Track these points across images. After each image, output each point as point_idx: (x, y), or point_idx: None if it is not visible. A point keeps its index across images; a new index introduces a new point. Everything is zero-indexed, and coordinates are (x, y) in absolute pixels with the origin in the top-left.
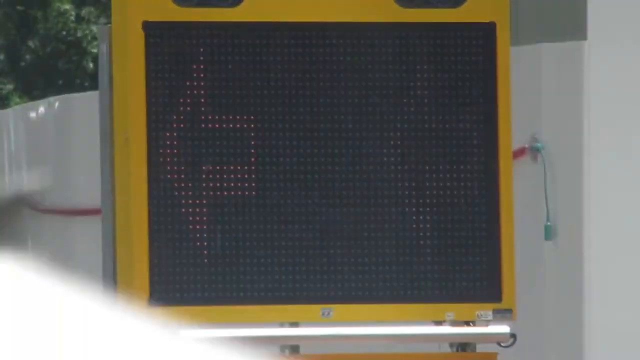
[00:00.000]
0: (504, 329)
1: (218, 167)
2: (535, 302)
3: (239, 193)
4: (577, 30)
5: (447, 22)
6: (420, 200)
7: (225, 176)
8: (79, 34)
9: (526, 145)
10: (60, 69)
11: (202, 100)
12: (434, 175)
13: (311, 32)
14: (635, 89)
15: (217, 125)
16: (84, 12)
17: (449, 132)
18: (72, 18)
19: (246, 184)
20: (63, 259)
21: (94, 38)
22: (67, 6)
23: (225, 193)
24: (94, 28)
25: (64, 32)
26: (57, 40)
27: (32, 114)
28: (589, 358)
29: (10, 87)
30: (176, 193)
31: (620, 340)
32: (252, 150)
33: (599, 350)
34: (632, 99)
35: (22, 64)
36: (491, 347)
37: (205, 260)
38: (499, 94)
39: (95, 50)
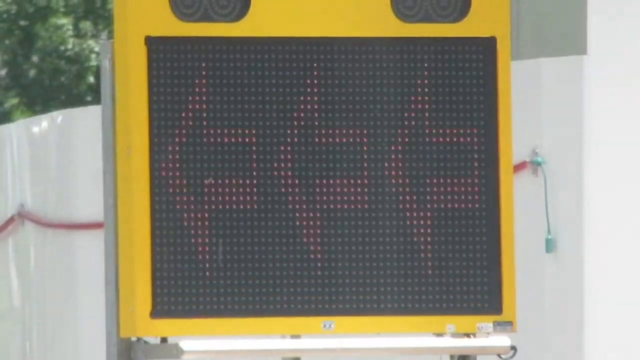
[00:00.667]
0: (504, 341)
1: (220, 181)
2: (536, 315)
3: (241, 207)
4: (577, 44)
5: (448, 36)
6: (421, 213)
7: (227, 190)
8: (76, 49)
9: (527, 159)
10: (63, 83)
11: (204, 114)
12: (434, 189)
13: (312, 46)
14: (635, 103)
15: (219, 140)
16: (82, 25)
17: (449, 146)
18: (70, 32)
19: (248, 198)
20: (65, 273)
21: (92, 52)
22: (65, 20)
23: (227, 207)
24: (91, 42)
25: (62, 47)
26: (57, 56)
27: (35, 129)
28: None
29: (13, 101)
30: (178, 207)
31: (621, 353)
32: (254, 165)
33: None
34: (632, 113)
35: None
36: (491, 359)
37: (207, 274)
38: (499, 108)
39: (94, 64)
